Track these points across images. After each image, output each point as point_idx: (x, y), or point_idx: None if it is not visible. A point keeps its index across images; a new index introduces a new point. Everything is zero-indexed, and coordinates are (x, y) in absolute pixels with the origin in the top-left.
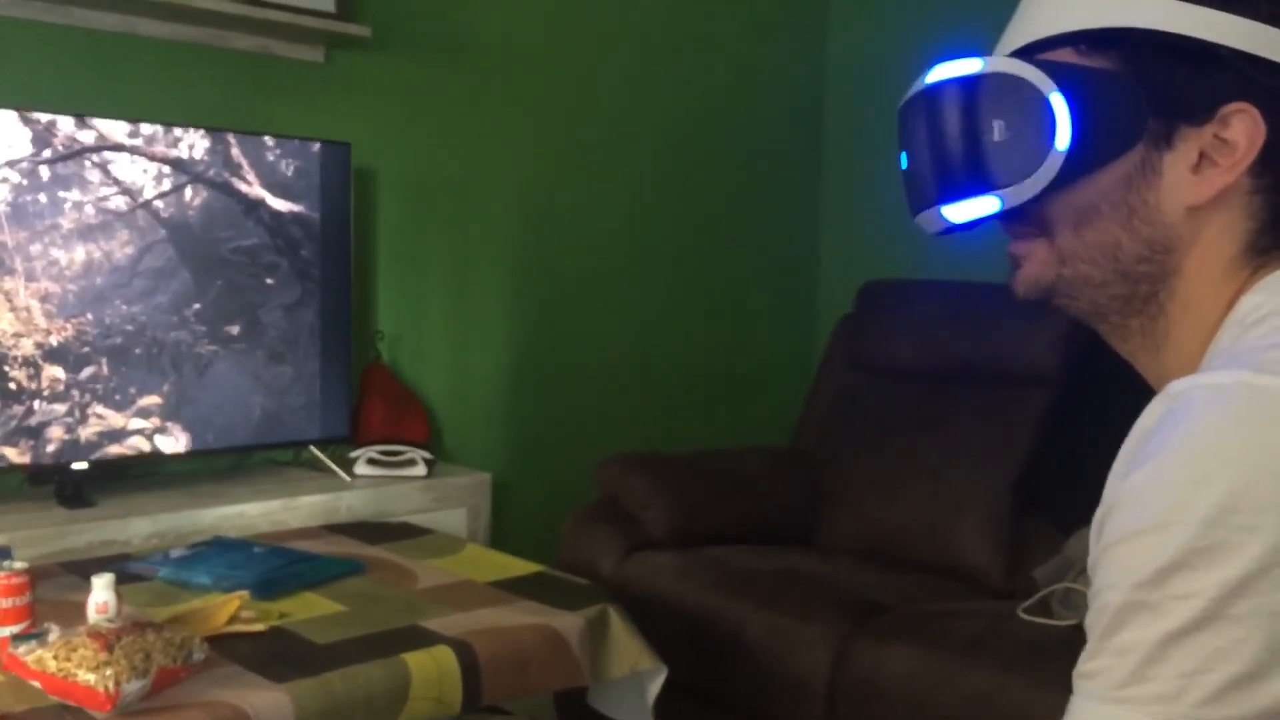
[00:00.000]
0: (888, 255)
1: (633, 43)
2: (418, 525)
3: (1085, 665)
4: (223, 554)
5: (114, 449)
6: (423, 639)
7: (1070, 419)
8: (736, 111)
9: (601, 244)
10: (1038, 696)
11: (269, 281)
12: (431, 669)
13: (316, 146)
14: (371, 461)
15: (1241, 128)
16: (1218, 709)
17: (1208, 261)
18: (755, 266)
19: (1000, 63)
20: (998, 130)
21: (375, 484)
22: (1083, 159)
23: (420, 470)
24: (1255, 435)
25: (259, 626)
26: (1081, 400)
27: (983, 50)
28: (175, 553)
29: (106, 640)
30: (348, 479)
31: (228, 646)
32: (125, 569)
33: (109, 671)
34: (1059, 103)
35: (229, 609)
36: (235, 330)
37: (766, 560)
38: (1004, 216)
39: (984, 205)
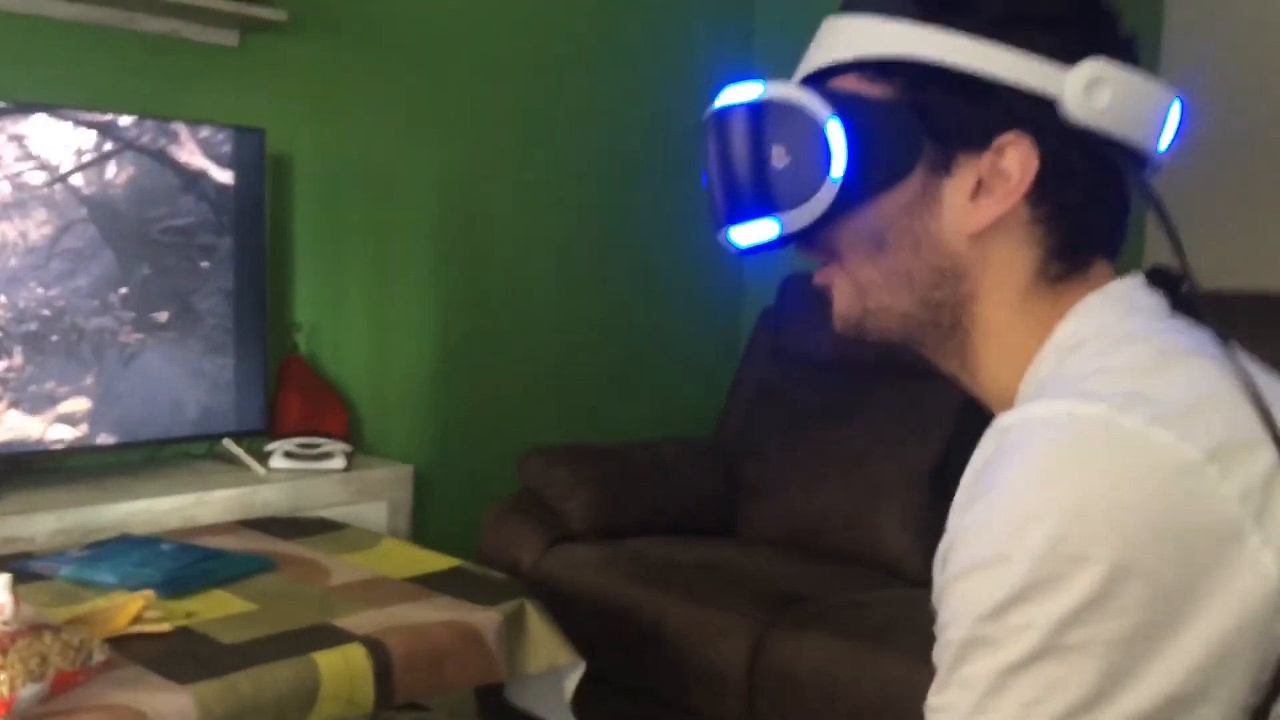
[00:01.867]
0: None
1: (559, 29)
2: (334, 520)
3: (933, 699)
4: (129, 551)
5: (22, 436)
6: (334, 637)
7: (983, 409)
8: (664, 99)
9: (525, 234)
10: None
11: (182, 272)
12: (342, 668)
13: (229, 132)
14: (288, 455)
15: (1016, 157)
16: None
17: (1001, 288)
18: (681, 258)
19: (780, 89)
20: (777, 155)
21: (292, 477)
22: (859, 186)
23: (339, 463)
24: (1082, 465)
25: (164, 626)
26: None
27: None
28: (78, 551)
29: (1, 644)
30: (263, 472)
31: (131, 648)
32: (26, 567)
33: (2, 676)
34: (835, 130)
35: (133, 609)
36: (148, 321)
37: (687, 551)
38: (792, 242)
39: (764, 229)
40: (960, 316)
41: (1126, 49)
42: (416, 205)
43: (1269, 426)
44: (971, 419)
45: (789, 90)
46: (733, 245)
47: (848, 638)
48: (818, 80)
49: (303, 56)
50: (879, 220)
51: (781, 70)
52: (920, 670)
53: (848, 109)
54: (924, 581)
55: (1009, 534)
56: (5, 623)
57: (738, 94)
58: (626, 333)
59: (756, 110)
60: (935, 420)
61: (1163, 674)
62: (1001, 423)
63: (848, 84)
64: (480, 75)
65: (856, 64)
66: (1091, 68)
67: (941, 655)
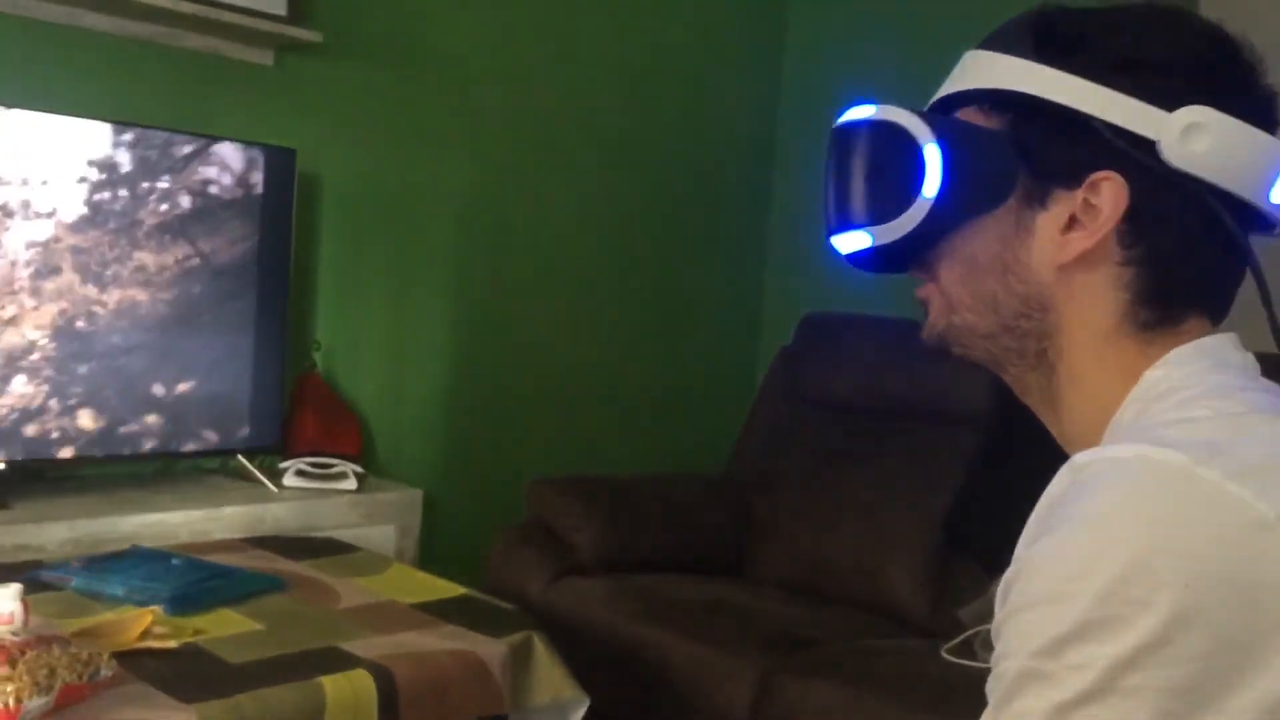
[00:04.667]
0: (830, 288)
1: (586, 61)
2: (343, 541)
3: None
4: (139, 565)
5: (37, 445)
6: (340, 662)
7: (999, 460)
8: (687, 135)
9: (545, 263)
10: None
11: (206, 289)
12: (348, 693)
13: (261, 151)
14: (301, 473)
15: (1108, 194)
16: None
17: (1085, 327)
18: (699, 292)
19: (888, 111)
20: (878, 172)
21: (303, 496)
22: (950, 208)
23: (350, 484)
24: (1153, 510)
25: (171, 644)
26: (1010, 442)
27: (930, 93)
28: (87, 560)
29: (9, 654)
30: (275, 490)
31: (138, 663)
32: (37, 577)
33: (9, 687)
34: (932, 152)
35: (141, 624)
36: (168, 335)
37: (695, 590)
38: (891, 258)
39: (859, 240)
40: (1045, 348)
41: (1255, 102)
42: (440, 230)
43: None
44: (986, 470)
45: (896, 113)
46: (835, 252)
47: (855, 686)
48: (945, 107)
49: (336, 78)
50: (975, 245)
51: (808, 102)
52: None
53: (951, 135)
54: (931, 631)
55: (1075, 571)
56: (14, 633)
57: (854, 113)
58: (642, 365)
59: (866, 128)
60: (948, 470)
61: None
62: (1077, 460)
63: (969, 114)
64: (510, 103)
65: (977, 95)
66: (1191, 113)
67: (995, 686)
